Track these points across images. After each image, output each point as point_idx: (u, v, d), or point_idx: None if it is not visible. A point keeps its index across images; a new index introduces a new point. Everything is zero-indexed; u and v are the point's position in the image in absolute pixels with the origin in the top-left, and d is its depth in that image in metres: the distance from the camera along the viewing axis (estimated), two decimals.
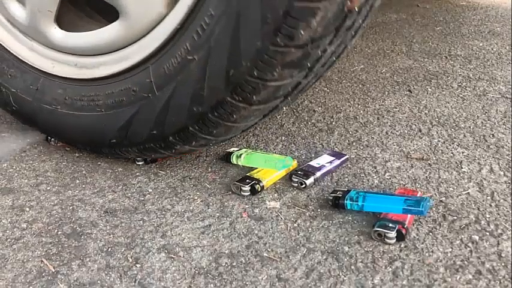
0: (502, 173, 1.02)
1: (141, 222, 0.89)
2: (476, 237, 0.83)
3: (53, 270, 0.77)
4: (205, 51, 0.83)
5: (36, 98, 1.08)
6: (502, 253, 0.79)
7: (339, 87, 1.54)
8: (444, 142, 1.16)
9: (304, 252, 0.81)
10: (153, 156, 1.03)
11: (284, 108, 1.22)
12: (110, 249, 0.82)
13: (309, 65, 0.83)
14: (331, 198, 0.91)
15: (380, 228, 0.82)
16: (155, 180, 1.02)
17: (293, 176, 0.98)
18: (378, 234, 0.82)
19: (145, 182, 1.01)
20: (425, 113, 1.33)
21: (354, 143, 1.17)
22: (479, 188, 0.97)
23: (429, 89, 1.51)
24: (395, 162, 1.08)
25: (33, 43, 1.07)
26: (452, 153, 1.11)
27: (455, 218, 0.88)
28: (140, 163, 1.07)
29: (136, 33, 0.92)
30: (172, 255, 0.80)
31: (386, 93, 1.48)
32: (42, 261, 0.79)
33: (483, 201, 0.93)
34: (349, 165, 1.07)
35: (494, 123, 1.26)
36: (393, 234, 0.81)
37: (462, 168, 1.05)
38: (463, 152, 1.11)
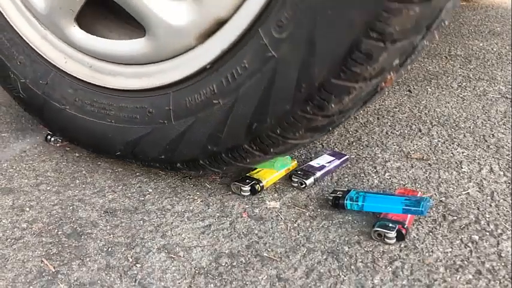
0: (502, 173, 1.02)
1: (141, 222, 0.89)
2: (476, 237, 0.83)
3: (53, 270, 0.77)
4: (232, 99, 0.82)
5: (45, 93, 1.06)
6: (502, 253, 0.79)
7: None
8: (444, 142, 1.16)
9: (304, 252, 0.81)
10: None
11: None
12: (110, 249, 0.82)
13: (330, 129, 0.86)
14: (331, 198, 0.91)
15: (380, 228, 0.82)
16: (155, 180, 1.02)
17: (293, 176, 0.98)
18: (377, 234, 0.82)
19: (145, 182, 1.01)
20: (425, 113, 1.33)
21: (354, 143, 1.17)
22: (479, 188, 0.97)
23: (429, 89, 1.51)
24: (395, 162, 1.08)
25: (47, 32, 1.04)
26: (452, 153, 1.11)
27: (455, 218, 0.88)
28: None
29: (161, 55, 0.90)
30: (173, 255, 0.80)
31: (387, 93, 1.48)
32: (42, 261, 0.79)
33: (483, 201, 0.93)
34: (349, 165, 1.07)
35: (494, 123, 1.26)
36: (393, 234, 0.81)
37: (462, 168, 1.05)
38: (463, 152, 1.11)
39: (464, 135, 1.20)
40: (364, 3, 0.66)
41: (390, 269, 0.77)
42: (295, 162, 1.04)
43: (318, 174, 0.99)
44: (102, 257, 0.80)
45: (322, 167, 1.02)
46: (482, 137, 1.19)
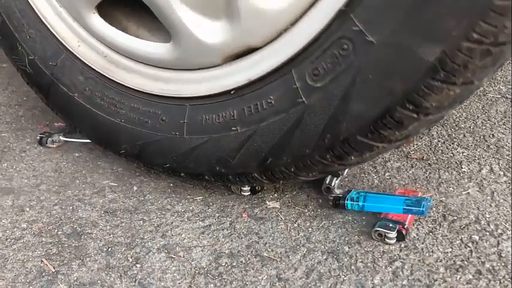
0: (502, 173, 1.02)
1: (141, 222, 0.89)
2: (476, 237, 0.83)
3: (53, 270, 0.77)
4: (251, 130, 0.81)
5: (53, 74, 1.02)
6: (502, 253, 0.79)
7: None
8: (444, 142, 1.16)
9: (304, 252, 0.81)
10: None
11: None
12: (110, 249, 0.82)
13: (340, 172, 0.91)
14: (331, 198, 0.91)
15: (380, 228, 0.82)
16: (155, 180, 1.02)
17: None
18: (378, 234, 0.82)
19: (145, 182, 1.01)
20: None
21: None
22: (479, 188, 0.97)
23: None
24: (395, 162, 1.08)
25: (63, 10, 0.98)
26: (452, 153, 1.11)
27: (455, 218, 0.88)
28: None
29: (183, 64, 0.88)
30: (173, 255, 0.80)
31: None
32: (42, 261, 0.79)
33: (483, 201, 0.93)
34: None
35: (494, 123, 1.26)
36: (393, 234, 0.81)
37: (462, 168, 1.05)
38: (463, 152, 1.11)
39: (464, 135, 1.19)
40: (408, 76, 0.66)
41: (390, 269, 0.77)
42: None
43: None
44: (102, 257, 0.80)
45: None
46: (482, 137, 1.18)
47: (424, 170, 1.04)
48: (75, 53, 1.00)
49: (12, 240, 0.83)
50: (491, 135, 1.19)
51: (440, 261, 0.78)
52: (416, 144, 1.16)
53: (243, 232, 0.86)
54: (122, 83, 0.96)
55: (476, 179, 1.00)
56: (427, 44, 0.63)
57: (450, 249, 0.81)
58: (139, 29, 0.99)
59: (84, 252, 0.81)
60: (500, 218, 0.88)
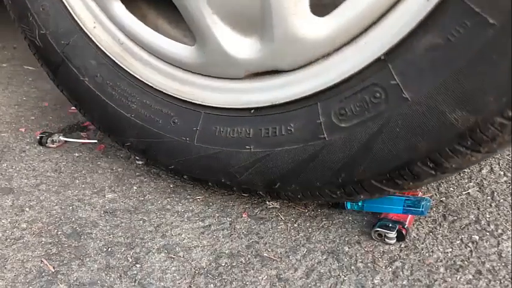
0: (502, 173, 1.02)
1: (141, 222, 0.89)
2: (476, 237, 0.83)
3: (53, 270, 0.77)
4: (264, 152, 0.81)
5: (64, 53, 0.98)
6: (502, 253, 0.79)
7: None
8: None
9: (304, 252, 0.81)
10: None
11: None
12: (110, 249, 0.82)
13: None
14: None
15: (380, 229, 0.82)
16: (155, 180, 1.01)
17: None
18: (378, 235, 0.82)
19: (145, 182, 1.01)
20: None
21: None
22: (479, 188, 0.97)
23: None
24: None
25: None
26: None
27: (455, 218, 0.88)
28: (140, 162, 1.07)
29: (203, 69, 0.87)
30: (172, 255, 0.80)
31: None
32: (42, 261, 0.79)
33: (483, 201, 0.93)
34: None
35: None
36: (393, 234, 0.81)
37: None
38: None
39: None
40: (435, 138, 0.67)
41: (390, 269, 0.77)
42: None
43: None
44: (102, 257, 0.80)
45: None
46: None
47: None
48: (89, 35, 0.96)
49: (12, 240, 0.83)
50: None
51: (441, 261, 0.78)
52: None
53: (243, 232, 0.86)
54: (135, 75, 0.93)
55: (476, 179, 1.00)
56: (461, 113, 0.64)
57: (450, 249, 0.80)
58: (159, 19, 0.96)
59: (84, 252, 0.81)
60: (500, 218, 0.88)
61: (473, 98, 0.62)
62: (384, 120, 0.70)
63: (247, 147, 0.83)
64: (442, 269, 0.76)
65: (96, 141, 1.16)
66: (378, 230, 0.82)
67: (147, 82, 0.93)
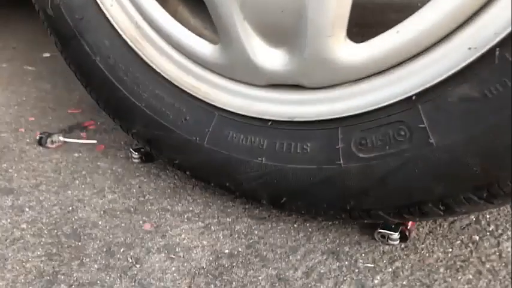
0: None
1: (141, 222, 0.89)
2: (477, 237, 0.83)
3: (53, 271, 0.77)
4: (275, 167, 0.80)
5: (77, 28, 0.94)
6: (502, 253, 0.79)
7: None
8: None
9: (304, 252, 0.81)
10: None
11: None
12: (109, 250, 0.82)
13: None
14: None
15: (383, 230, 0.81)
16: (155, 181, 1.01)
17: None
18: (381, 236, 0.82)
19: (145, 182, 1.01)
20: None
21: None
22: None
23: None
24: None
25: None
26: None
27: (455, 218, 0.88)
28: (136, 161, 1.07)
29: (221, 69, 0.84)
30: (172, 256, 0.80)
31: None
32: (42, 261, 0.79)
33: None
34: None
35: None
36: (397, 235, 0.81)
37: None
38: None
39: None
40: (453, 185, 0.67)
41: (390, 269, 0.77)
42: None
43: None
44: (102, 257, 0.80)
45: None
46: None
47: None
48: (105, 13, 0.91)
49: (12, 241, 0.83)
50: None
51: (441, 261, 0.78)
52: None
53: (243, 232, 0.86)
54: (150, 64, 0.90)
55: None
56: (484, 167, 0.64)
57: (450, 249, 0.80)
58: (180, 5, 0.93)
59: (83, 253, 0.81)
60: (500, 218, 0.88)
61: (500, 155, 0.62)
62: (404, 159, 0.69)
63: (259, 158, 0.81)
64: (442, 269, 0.76)
65: (95, 141, 1.16)
66: (381, 232, 0.82)
67: (161, 73, 0.89)
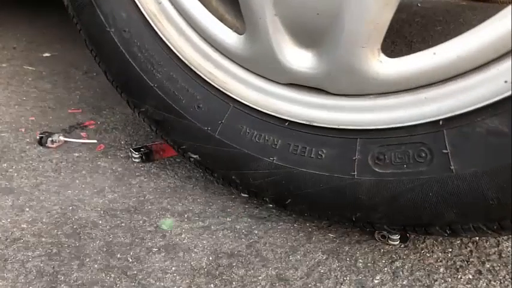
0: None
1: (141, 222, 0.89)
2: (476, 237, 0.83)
3: (53, 270, 0.77)
4: (286, 168, 0.79)
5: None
6: (502, 253, 0.79)
7: None
8: None
9: (304, 252, 0.81)
10: None
11: None
12: (110, 249, 0.82)
13: None
14: None
15: (384, 230, 0.81)
16: (155, 181, 1.01)
17: None
18: (381, 236, 0.82)
19: (145, 182, 1.01)
20: None
21: None
22: None
23: None
24: None
25: None
26: None
27: None
28: (136, 160, 1.07)
29: (242, 60, 0.82)
30: (173, 255, 0.80)
31: None
32: (42, 261, 0.79)
33: None
34: None
35: None
36: (397, 236, 0.81)
37: None
38: None
39: None
40: (465, 213, 0.67)
41: (390, 269, 0.77)
42: None
43: None
44: (102, 257, 0.80)
45: None
46: None
47: None
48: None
49: (12, 241, 0.83)
50: None
51: (440, 261, 0.78)
52: None
53: (243, 232, 0.86)
54: (168, 43, 0.87)
55: None
56: (502, 201, 0.64)
57: (450, 249, 0.81)
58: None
59: (84, 252, 0.81)
60: None
61: None
62: (420, 181, 0.68)
63: (270, 157, 0.80)
64: (442, 269, 0.77)
65: (96, 141, 1.16)
66: (381, 232, 0.82)
67: (178, 54, 0.86)
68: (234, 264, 0.79)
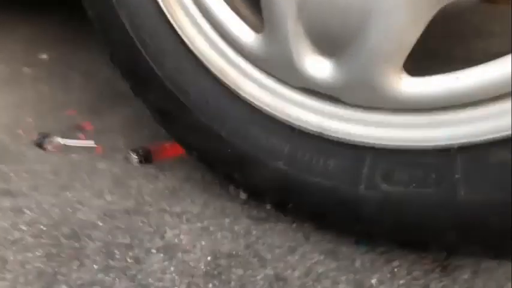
0: None
1: (140, 223, 0.89)
2: None
3: (53, 271, 0.77)
4: (291, 174, 0.79)
5: None
6: None
7: None
8: None
9: (302, 252, 0.82)
10: None
11: None
12: (109, 250, 0.82)
13: None
14: None
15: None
16: (154, 182, 1.02)
17: None
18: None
19: (144, 183, 1.01)
20: None
21: None
22: None
23: None
24: None
25: None
26: None
27: None
28: (136, 162, 1.07)
29: (256, 60, 0.80)
30: (171, 256, 0.81)
31: None
32: (41, 262, 0.79)
33: None
34: None
35: None
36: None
37: None
38: None
39: None
40: (461, 239, 0.69)
41: (388, 268, 0.77)
42: None
43: None
44: (102, 258, 0.80)
45: None
46: None
47: None
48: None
49: (12, 242, 0.83)
50: None
51: (437, 261, 0.79)
52: None
53: (241, 233, 0.86)
54: (179, 32, 0.84)
55: None
56: (503, 230, 0.64)
57: None
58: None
59: (83, 254, 0.81)
60: None
61: None
62: (425, 202, 0.68)
63: (278, 161, 0.79)
64: (439, 269, 0.77)
65: (94, 143, 1.16)
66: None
67: (190, 46, 0.84)
68: (233, 264, 0.79)
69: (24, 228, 0.87)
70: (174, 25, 0.84)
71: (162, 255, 0.81)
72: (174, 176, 1.04)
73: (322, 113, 0.77)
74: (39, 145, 1.14)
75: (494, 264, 0.77)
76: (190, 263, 0.79)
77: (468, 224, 0.66)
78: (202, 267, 0.78)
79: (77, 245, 0.83)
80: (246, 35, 0.80)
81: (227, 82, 0.83)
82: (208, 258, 0.80)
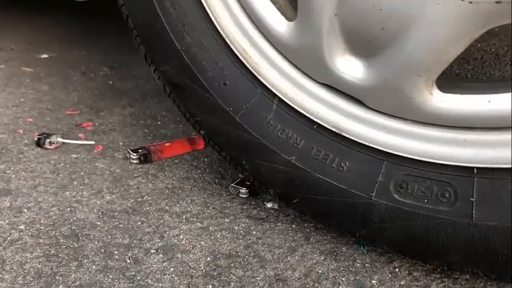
0: None
1: (139, 223, 0.89)
2: None
3: (51, 272, 0.77)
4: (304, 171, 0.77)
5: None
6: None
7: None
8: None
9: (302, 252, 0.81)
10: None
11: None
12: (108, 250, 0.82)
13: None
14: None
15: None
16: (153, 182, 1.01)
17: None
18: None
19: (143, 183, 1.01)
20: None
21: None
22: None
23: None
24: None
25: None
26: None
27: None
28: (135, 162, 1.07)
29: (285, 49, 0.77)
30: (171, 256, 0.80)
31: None
32: (40, 262, 0.79)
33: None
34: None
35: None
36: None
37: None
38: None
39: None
40: (468, 261, 0.69)
41: (389, 269, 0.77)
42: None
43: None
44: (100, 258, 0.80)
45: None
46: None
47: None
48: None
49: (10, 242, 0.83)
50: None
51: None
52: None
53: (241, 233, 0.86)
54: (205, 6, 0.81)
55: None
56: (508, 257, 0.64)
57: None
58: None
59: (82, 254, 0.81)
60: None
61: None
62: (436, 219, 0.68)
63: (289, 155, 0.78)
64: (439, 269, 0.77)
65: (93, 142, 1.16)
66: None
67: (214, 21, 0.80)
68: (232, 265, 0.79)
69: (22, 227, 0.87)
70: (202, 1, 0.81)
71: (161, 255, 0.81)
72: (173, 176, 1.03)
73: (344, 113, 0.75)
74: (39, 145, 1.14)
75: None
76: (190, 263, 0.79)
77: (475, 247, 0.66)
78: (202, 267, 0.78)
79: (75, 245, 0.83)
80: (275, 20, 0.77)
81: (247, 65, 0.80)
82: (208, 258, 0.80)
